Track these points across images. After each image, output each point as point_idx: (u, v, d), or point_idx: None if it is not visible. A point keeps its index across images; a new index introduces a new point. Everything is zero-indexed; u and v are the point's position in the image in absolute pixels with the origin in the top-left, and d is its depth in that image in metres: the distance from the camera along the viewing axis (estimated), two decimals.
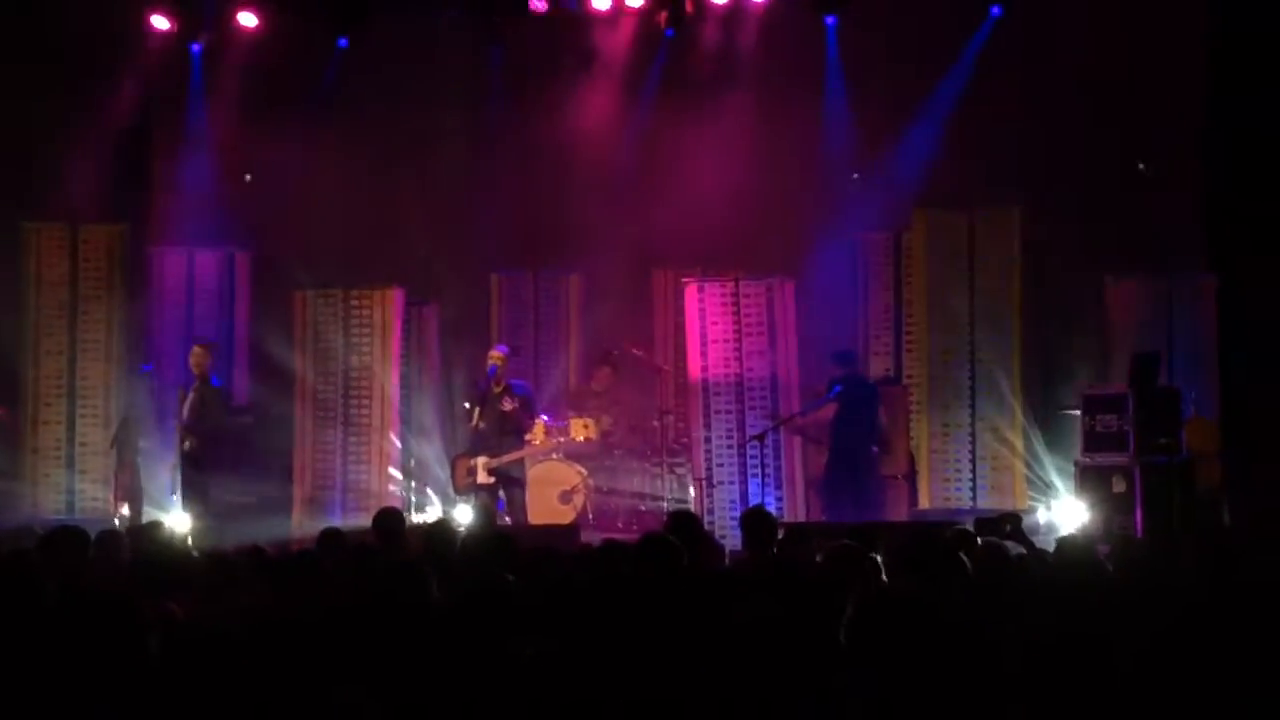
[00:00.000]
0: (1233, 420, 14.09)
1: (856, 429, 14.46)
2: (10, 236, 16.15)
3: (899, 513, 14.73)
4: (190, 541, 11.15)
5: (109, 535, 8.88)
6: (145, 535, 9.46)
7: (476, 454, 14.28)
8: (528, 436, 14.69)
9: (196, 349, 14.45)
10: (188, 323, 16.49)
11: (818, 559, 7.15)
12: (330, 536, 8.93)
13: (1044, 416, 15.33)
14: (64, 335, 16.12)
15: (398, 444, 15.83)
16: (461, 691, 5.48)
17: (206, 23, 17.18)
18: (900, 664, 4.89)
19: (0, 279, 16.01)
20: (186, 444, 14.08)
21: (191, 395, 14.19)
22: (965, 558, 7.09)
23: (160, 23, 16.90)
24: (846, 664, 5.06)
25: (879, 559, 7.19)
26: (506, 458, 14.23)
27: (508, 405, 14.25)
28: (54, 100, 16.11)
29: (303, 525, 15.18)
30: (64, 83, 16.17)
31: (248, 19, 17.04)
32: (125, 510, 14.16)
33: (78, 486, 15.91)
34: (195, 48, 17.44)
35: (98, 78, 16.55)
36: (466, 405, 14.54)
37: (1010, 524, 8.88)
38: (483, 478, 14.16)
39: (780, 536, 9.22)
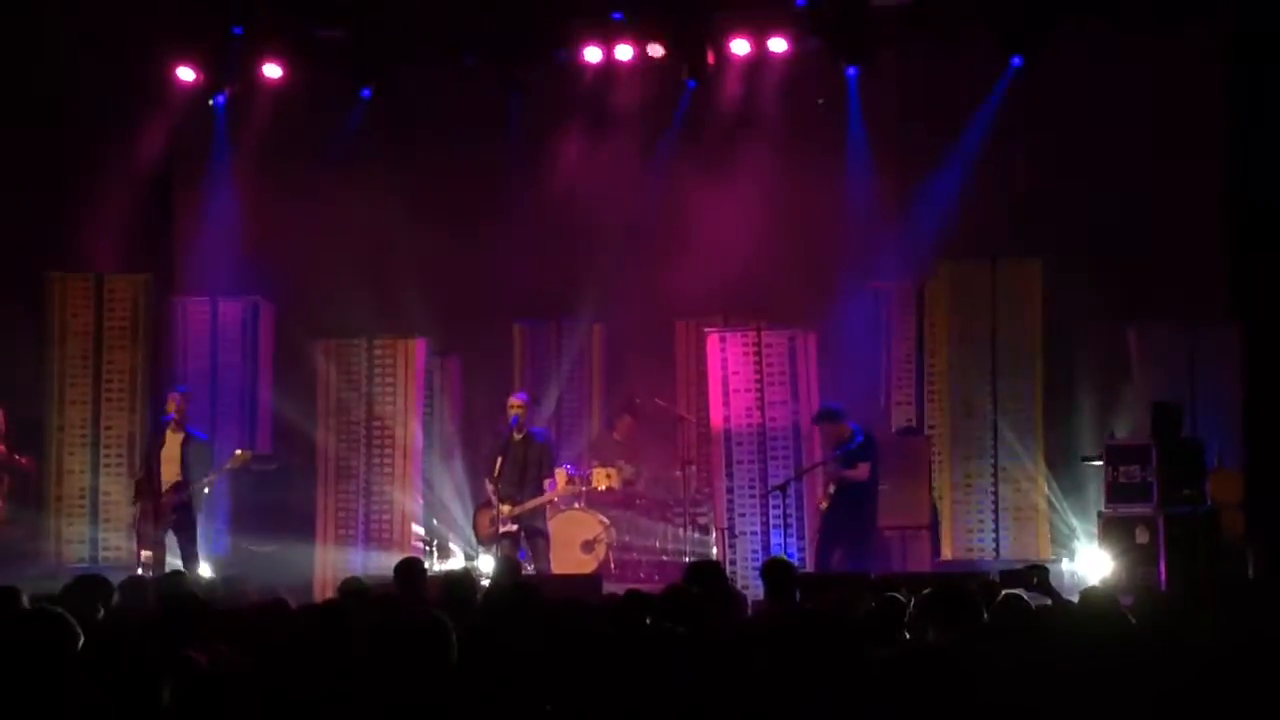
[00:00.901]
0: (1257, 471, 14.05)
1: (876, 478, 14.42)
2: (35, 287, 16.24)
3: (921, 563, 14.68)
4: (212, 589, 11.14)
5: (135, 582, 8.90)
6: (168, 584, 9.46)
7: (499, 503, 14.26)
8: (549, 484, 14.65)
9: (178, 396, 14.48)
10: (211, 372, 16.57)
11: (847, 610, 7.12)
12: (353, 587, 8.93)
13: (1067, 467, 15.29)
14: (88, 385, 16.18)
15: (420, 493, 15.84)
16: None
17: (230, 74, 17.27)
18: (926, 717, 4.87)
19: (25, 329, 16.07)
20: (185, 498, 14.11)
21: (179, 448, 14.19)
22: (988, 611, 7.06)
23: (185, 74, 17.00)
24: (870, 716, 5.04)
25: (909, 608, 7.17)
26: (529, 504, 14.21)
27: (529, 451, 14.25)
28: (78, 151, 16.23)
29: (325, 573, 15.21)
30: (88, 133, 16.29)
31: (272, 70, 17.13)
32: (148, 557, 14.15)
33: (100, 536, 15.94)
34: (219, 99, 17.53)
35: (122, 128, 16.67)
36: (489, 454, 14.54)
37: (1037, 576, 8.83)
38: (506, 525, 14.14)
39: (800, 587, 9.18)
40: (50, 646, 6.00)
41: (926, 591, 7.17)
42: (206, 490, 14.45)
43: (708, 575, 8.27)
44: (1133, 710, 5.67)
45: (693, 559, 14.22)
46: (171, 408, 14.37)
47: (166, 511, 14.11)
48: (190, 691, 5.81)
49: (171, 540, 14.26)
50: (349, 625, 6.59)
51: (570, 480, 15.38)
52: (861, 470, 14.16)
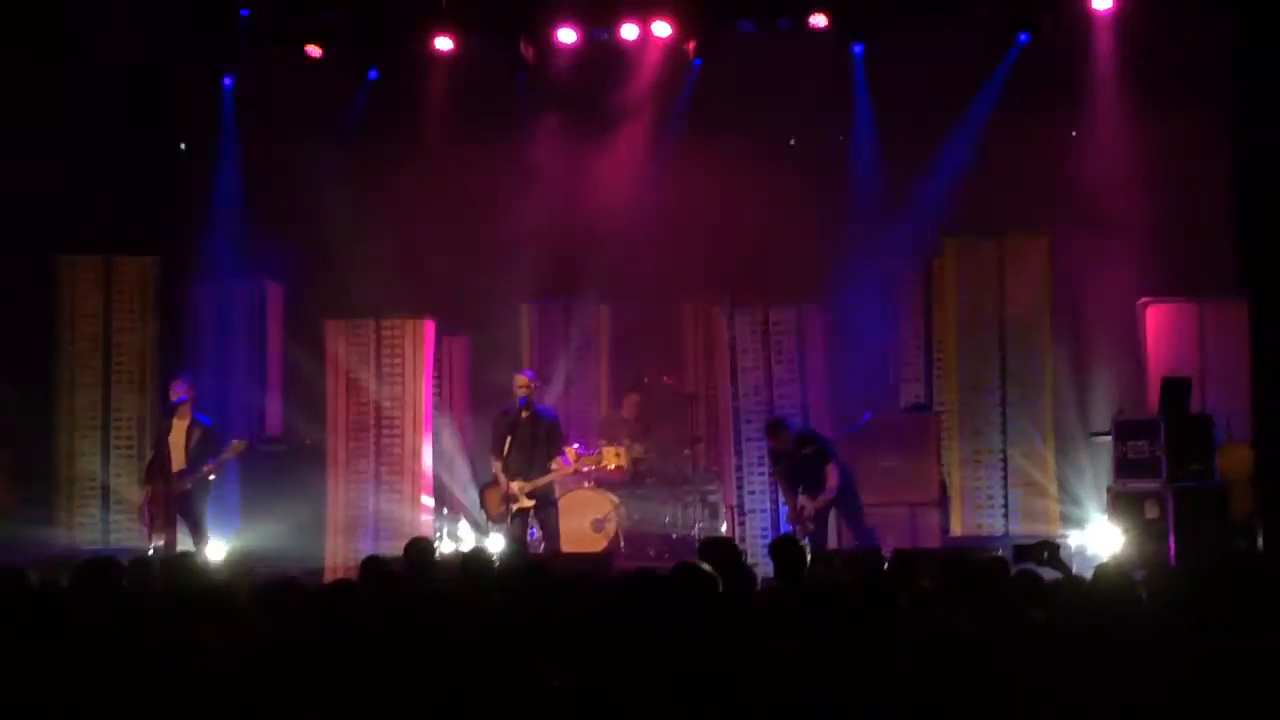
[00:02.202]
0: (1266, 446, 14.03)
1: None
2: (44, 269, 16.25)
3: (931, 539, 14.69)
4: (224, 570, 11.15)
5: (142, 563, 8.92)
6: (177, 565, 9.48)
7: (509, 480, 14.24)
8: (560, 459, 14.59)
9: (184, 384, 14.44)
10: (220, 354, 16.60)
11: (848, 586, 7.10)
12: (372, 565, 8.92)
13: (1076, 442, 15.29)
14: (97, 367, 16.19)
15: (429, 473, 15.84)
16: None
17: (238, 56, 17.28)
18: (944, 701, 4.83)
19: (34, 312, 16.09)
20: (190, 485, 14.11)
21: (185, 435, 14.19)
22: (999, 586, 7.07)
23: (194, 56, 16.99)
24: (882, 698, 5.02)
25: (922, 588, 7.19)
26: (540, 480, 14.18)
27: (538, 429, 14.23)
28: (86, 133, 16.20)
29: (335, 554, 15.23)
30: (96, 116, 16.26)
31: (279, 52, 17.13)
32: (160, 541, 14.18)
33: (112, 518, 15.97)
34: (227, 81, 17.56)
35: (130, 111, 16.64)
36: (495, 434, 14.53)
37: (1048, 551, 8.86)
38: (522, 502, 14.09)
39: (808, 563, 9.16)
40: (57, 628, 6.03)
41: (942, 568, 7.18)
42: (212, 478, 14.43)
43: (721, 552, 8.25)
44: (1146, 684, 5.67)
45: (705, 536, 14.20)
46: (186, 395, 14.32)
47: (175, 496, 14.15)
48: (200, 672, 5.83)
49: (184, 523, 14.29)
50: (361, 603, 6.61)
51: (579, 459, 15.39)
52: (834, 476, 14.02)
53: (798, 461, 13.91)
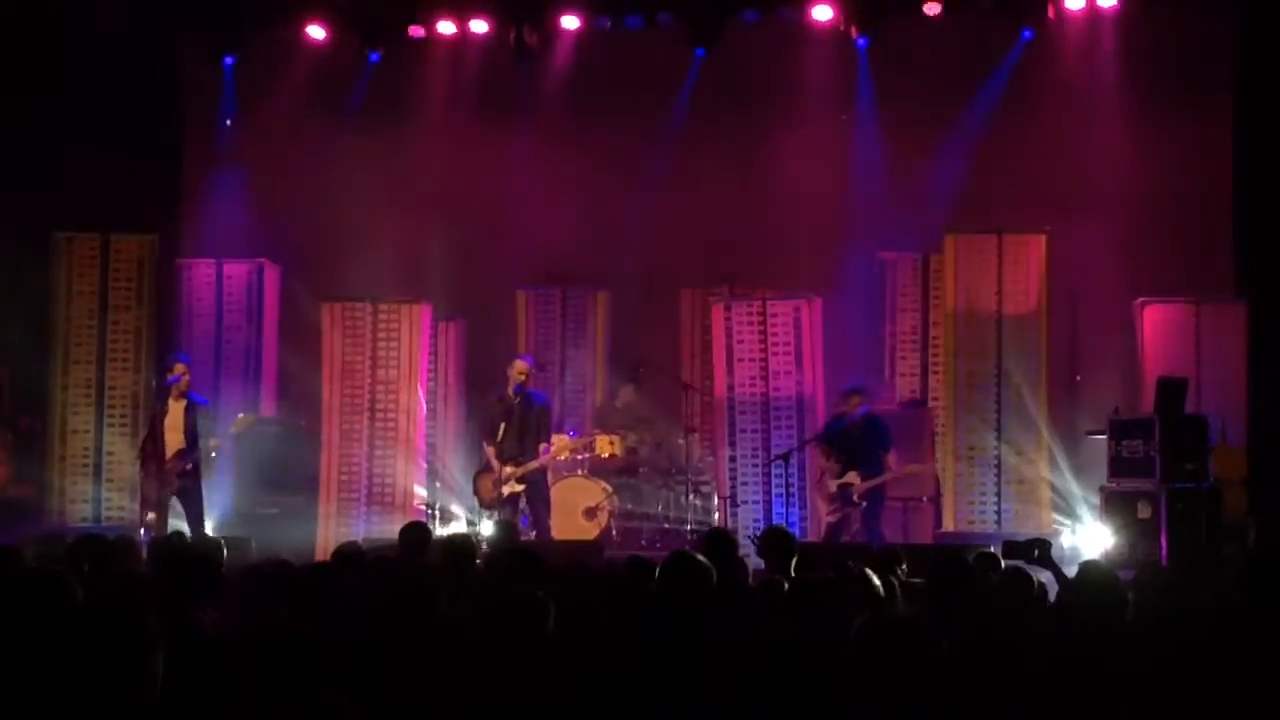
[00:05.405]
0: (1260, 448, 14.06)
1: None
2: (41, 246, 16.22)
3: (923, 535, 14.70)
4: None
5: (125, 542, 8.90)
6: (169, 545, 9.47)
7: (502, 465, 14.23)
8: (543, 448, 14.55)
9: (183, 365, 14.39)
10: (216, 333, 16.60)
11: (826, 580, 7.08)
12: (349, 551, 8.90)
13: (1070, 440, 15.28)
14: (93, 344, 16.15)
15: (423, 457, 15.84)
16: (474, 707, 5.47)
17: (239, 37, 17.26)
18: (900, 694, 4.76)
19: (31, 288, 16.07)
20: (189, 464, 14.09)
21: (182, 416, 14.16)
22: (987, 582, 7.07)
23: (194, 36, 16.99)
24: (846, 694, 4.96)
25: (895, 581, 7.18)
26: (532, 464, 14.20)
27: (529, 413, 14.23)
28: (86, 111, 16.18)
29: (328, 536, 15.22)
30: (97, 94, 16.23)
31: (280, 33, 17.12)
32: (150, 520, 14.17)
33: (104, 495, 15.96)
34: (228, 60, 17.54)
35: (131, 89, 16.62)
36: (489, 419, 14.52)
37: (1039, 549, 8.84)
38: (514, 486, 14.09)
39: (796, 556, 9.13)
40: (48, 607, 6.01)
41: (923, 564, 7.17)
42: (213, 455, 14.44)
43: (722, 545, 8.22)
44: (1130, 682, 5.67)
45: (709, 528, 14.07)
46: (183, 377, 14.26)
47: (171, 478, 14.11)
48: (189, 653, 5.81)
49: (176, 504, 14.26)
50: (341, 587, 6.60)
51: (573, 447, 15.36)
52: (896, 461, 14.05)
53: (852, 434, 13.83)
